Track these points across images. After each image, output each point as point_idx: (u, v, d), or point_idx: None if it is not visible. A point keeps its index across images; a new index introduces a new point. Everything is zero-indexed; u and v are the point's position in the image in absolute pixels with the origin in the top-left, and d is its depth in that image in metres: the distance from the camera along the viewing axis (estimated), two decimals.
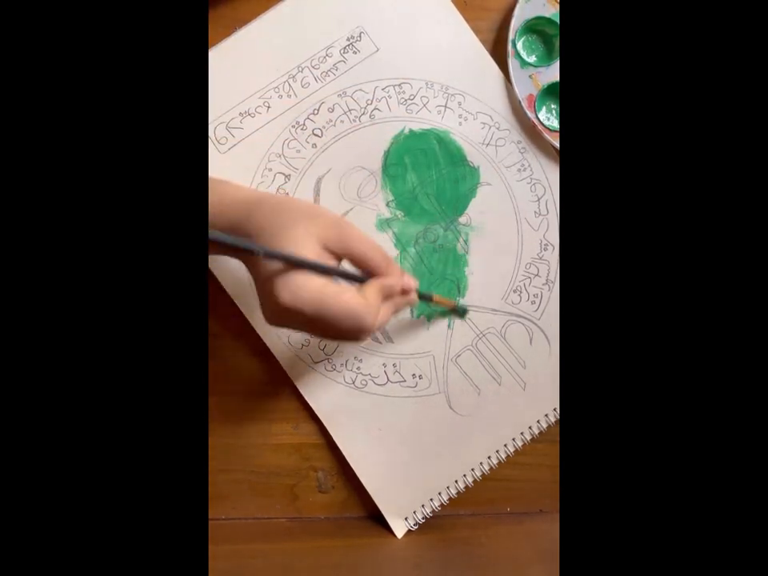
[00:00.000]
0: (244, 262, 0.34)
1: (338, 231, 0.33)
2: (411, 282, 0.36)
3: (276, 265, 0.31)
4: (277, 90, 0.44)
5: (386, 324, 0.36)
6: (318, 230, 0.32)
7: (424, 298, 0.41)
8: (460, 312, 0.45)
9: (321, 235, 0.32)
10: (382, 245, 0.44)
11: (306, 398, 0.44)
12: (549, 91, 0.45)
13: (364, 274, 0.35)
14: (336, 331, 0.32)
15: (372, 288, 0.33)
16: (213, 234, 0.29)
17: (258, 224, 0.32)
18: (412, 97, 0.45)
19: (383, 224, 0.45)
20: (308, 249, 0.32)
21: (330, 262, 0.33)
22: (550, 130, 0.45)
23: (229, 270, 0.44)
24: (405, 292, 0.35)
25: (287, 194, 0.44)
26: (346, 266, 0.34)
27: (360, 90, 0.45)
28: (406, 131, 0.45)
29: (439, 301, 0.42)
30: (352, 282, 0.34)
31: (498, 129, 0.46)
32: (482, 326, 0.45)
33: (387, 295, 0.34)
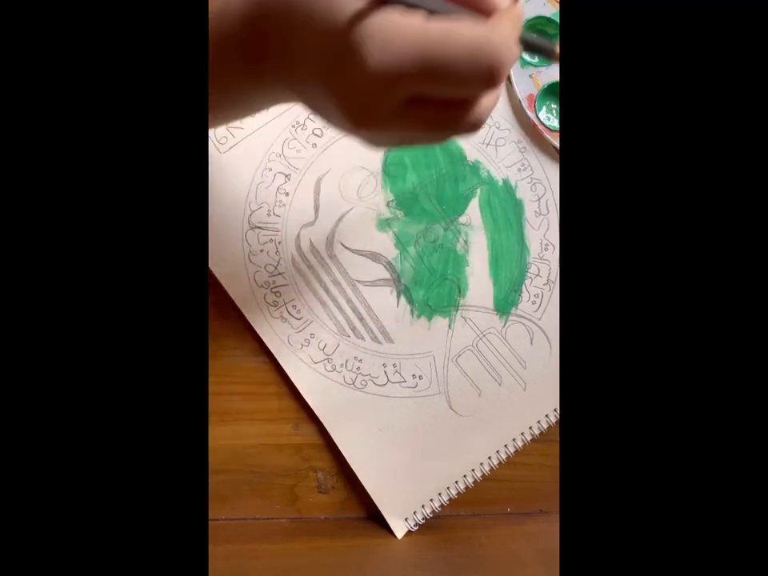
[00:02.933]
0: (280, 64, 0.25)
1: None
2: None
3: (327, 15, 0.22)
4: None
5: (516, 52, 0.23)
6: None
7: (541, 49, 0.26)
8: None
9: None
10: (382, 245, 0.45)
11: (306, 398, 0.44)
12: (549, 91, 0.45)
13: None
14: (458, 84, 0.22)
15: (503, 16, 0.22)
16: None
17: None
18: None
19: (383, 224, 0.45)
20: None
21: None
22: (550, 129, 0.45)
23: (229, 269, 0.44)
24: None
25: (287, 194, 0.44)
26: None
27: None
28: None
29: (558, 55, 0.26)
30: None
31: (498, 128, 0.46)
32: (483, 326, 0.45)
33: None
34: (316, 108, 0.26)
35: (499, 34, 0.21)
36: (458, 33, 0.21)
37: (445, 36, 0.21)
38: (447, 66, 0.21)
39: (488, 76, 0.21)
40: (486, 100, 0.24)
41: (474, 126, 0.24)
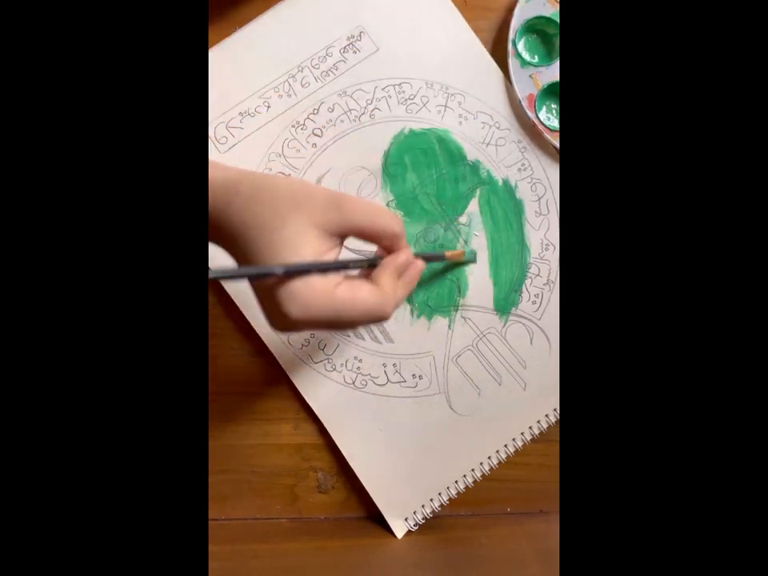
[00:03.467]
0: (226, 247, 0.31)
1: (337, 212, 0.29)
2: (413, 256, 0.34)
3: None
4: (277, 89, 0.44)
5: (402, 302, 0.33)
6: (313, 218, 0.28)
7: (435, 258, 0.41)
8: (470, 258, 0.45)
9: (318, 222, 0.29)
10: None
11: (306, 398, 0.44)
12: (549, 91, 0.45)
13: (376, 253, 0.32)
14: (354, 328, 0.31)
15: (387, 274, 0.31)
16: (213, 272, 0.26)
17: (240, 217, 0.28)
18: (412, 96, 0.45)
19: None
20: (308, 245, 0.28)
21: (331, 245, 0.30)
22: (550, 129, 0.45)
23: None
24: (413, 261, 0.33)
25: None
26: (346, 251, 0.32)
27: (360, 89, 0.45)
28: (406, 131, 0.45)
29: (452, 256, 0.43)
30: (362, 267, 0.32)
31: (498, 128, 0.46)
32: (483, 326, 0.45)
33: (401, 272, 0.32)
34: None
35: (387, 295, 0.30)
36: (359, 300, 0.29)
37: (350, 303, 0.29)
38: (351, 323, 0.29)
39: (375, 322, 0.31)
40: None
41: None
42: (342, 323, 0.29)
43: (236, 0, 0.44)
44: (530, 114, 0.45)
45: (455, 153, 0.45)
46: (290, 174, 0.44)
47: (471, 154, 0.46)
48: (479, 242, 0.45)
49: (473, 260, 0.45)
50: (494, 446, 0.45)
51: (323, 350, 0.44)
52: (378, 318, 0.30)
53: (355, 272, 0.33)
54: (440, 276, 0.45)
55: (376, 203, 0.33)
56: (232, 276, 0.28)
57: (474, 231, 0.45)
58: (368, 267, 0.32)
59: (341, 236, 0.30)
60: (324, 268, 0.29)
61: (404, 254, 0.32)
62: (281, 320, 0.29)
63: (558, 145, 0.45)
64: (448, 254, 0.43)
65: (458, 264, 0.45)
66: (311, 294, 0.28)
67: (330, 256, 0.30)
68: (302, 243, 0.28)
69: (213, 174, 0.30)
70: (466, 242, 0.45)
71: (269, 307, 0.29)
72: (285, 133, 0.44)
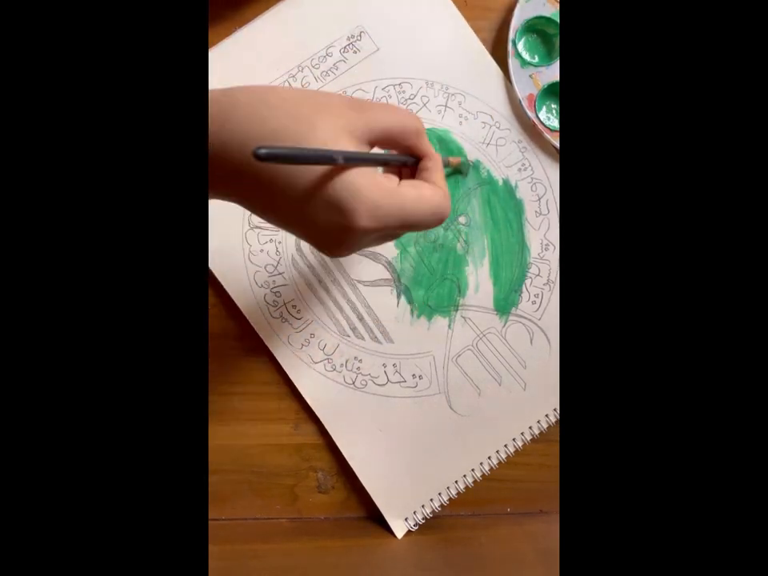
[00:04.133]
0: (253, 201, 0.27)
1: (361, 113, 0.26)
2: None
3: (320, 188, 0.24)
4: None
5: None
6: (341, 121, 0.25)
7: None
8: (468, 166, 0.45)
9: (346, 125, 0.25)
10: (383, 245, 0.45)
11: (306, 398, 0.44)
12: (549, 91, 0.45)
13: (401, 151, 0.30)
14: (417, 229, 0.28)
15: (439, 171, 0.29)
16: (264, 149, 0.21)
17: (245, 131, 0.24)
18: (412, 96, 0.45)
19: None
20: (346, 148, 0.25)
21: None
22: (550, 129, 0.45)
23: (229, 269, 0.44)
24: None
25: None
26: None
27: (360, 89, 0.45)
28: None
29: (453, 161, 0.43)
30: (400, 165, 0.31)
31: (498, 128, 0.46)
32: (483, 326, 0.45)
33: None
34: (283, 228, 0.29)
35: (447, 194, 0.29)
36: (425, 199, 0.27)
37: (417, 202, 0.27)
38: (420, 223, 0.27)
39: (437, 223, 0.29)
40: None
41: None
42: (410, 224, 0.27)
43: (236, 0, 0.44)
44: (530, 114, 0.45)
45: (455, 153, 0.45)
46: None
47: (471, 154, 0.46)
48: (479, 242, 0.45)
49: (466, 167, 0.45)
50: (494, 445, 0.45)
51: (323, 349, 0.44)
52: (442, 217, 0.28)
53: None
54: (440, 276, 0.45)
55: (395, 106, 0.30)
56: (286, 156, 0.23)
57: (474, 231, 0.45)
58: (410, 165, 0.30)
59: (368, 142, 0.27)
60: (383, 160, 0.27)
61: (436, 157, 0.30)
62: (345, 235, 0.25)
63: (557, 145, 0.45)
64: (452, 159, 0.42)
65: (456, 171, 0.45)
66: (377, 198, 0.25)
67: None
68: (339, 149, 0.25)
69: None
70: (466, 241, 0.45)
71: (326, 228, 0.26)
72: None
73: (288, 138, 0.24)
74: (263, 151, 0.21)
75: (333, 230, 0.26)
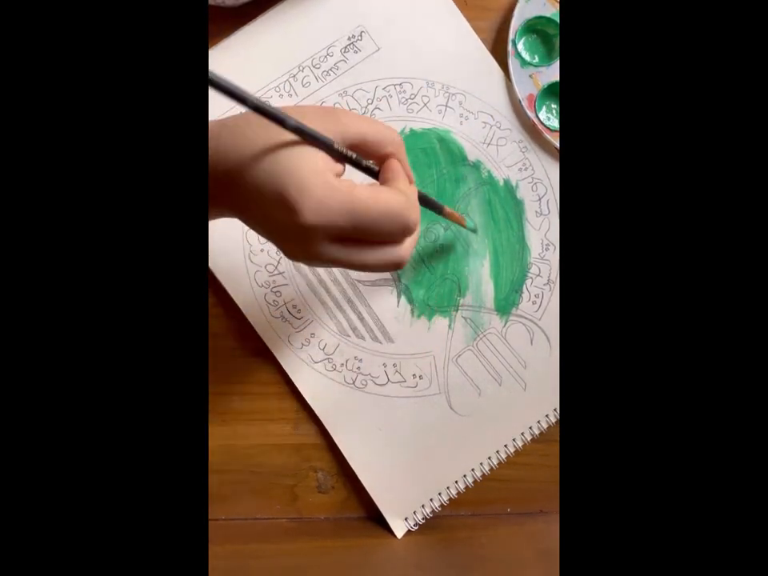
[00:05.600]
0: (234, 207, 0.29)
1: (335, 122, 0.27)
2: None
3: (277, 180, 0.25)
4: (278, 89, 0.44)
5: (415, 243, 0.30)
6: (315, 126, 0.26)
7: (434, 206, 0.37)
8: (471, 227, 0.44)
9: (320, 129, 0.26)
10: None
11: (306, 398, 0.44)
12: (549, 91, 0.45)
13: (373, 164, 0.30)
14: (377, 239, 0.27)
15: (402, 179, 0.28)
16: (215, 75, 0.23)
17: (233, 143, 0.26)
18: (413, 96, 0.45)
19: None
20: (317, 155, 0.26)
21: (338, 163, 0.28)
22: (550, 129, 0.45)
23: (229, 269, 0.44)
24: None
25: None
26: None
27: (361, 89, 0.45)
28: (407, 130, 0.45)
29: (450, 214, 0.39)
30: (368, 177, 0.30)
31: (499, 128, 0.46)
32: (483, 326, 0.45)
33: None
34: (262, 236, 0.30)
35: (410, 198, 0.27)
36: (380, 200, 0.26)
37: (372, 201, 0.26)
38: (374, 224, 0.26)
39: (404, 231, 0.27)
40: (405, 243, 0.28)
41: (397, 265, 0.29)
42: (361, 226, 0.26)
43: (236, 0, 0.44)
44: (530, 114, 0.45)
45: (456, 153, 0.45)
46: None
47: (472, 154, 0.46)
48: (480, 242, 0.45)
49: (473, 229, 0.44)
50: (494, 445, 0.45)
51: (323, 349, 0.44)
52: (403, 223, 0.27)
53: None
54: (440, 275, 0.45)
55: (372, 119, 0.31)
56: (234, 94, 0.24)
57: (474, 231, 0.45)
58: (353, 163, 0.29)
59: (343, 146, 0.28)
60: (331, 145, 0.26)
61: (406, 165, 0.29)
62: (294, 231, 0.26)
63: (558, 145, 0.45)
64: (447, 209, 0.38)
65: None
66: (326, 191, 0.25)
67: (339, 167, 0.27)
68: (310, 154, 0.26)
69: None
70: (466, 241, 0.45)
71: (278, 226, 0.27)
72: None
73: (268, 150, 0.26)
74: (212, 76, 0.23)
75: (287, 230, 0.26)
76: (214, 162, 0.27)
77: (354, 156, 0.28)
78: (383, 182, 0.29)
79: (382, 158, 0.30)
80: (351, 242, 0.27)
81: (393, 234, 0.27)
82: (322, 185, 0.25)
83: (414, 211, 0.27)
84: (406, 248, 0.29)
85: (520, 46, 0.45)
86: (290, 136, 0.26)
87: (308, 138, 0.26)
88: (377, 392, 0.44)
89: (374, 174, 0.30)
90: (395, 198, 0.27)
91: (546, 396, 0.45)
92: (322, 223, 0.25)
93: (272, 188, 0.26)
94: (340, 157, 0.27)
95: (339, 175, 0.27)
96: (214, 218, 0.30)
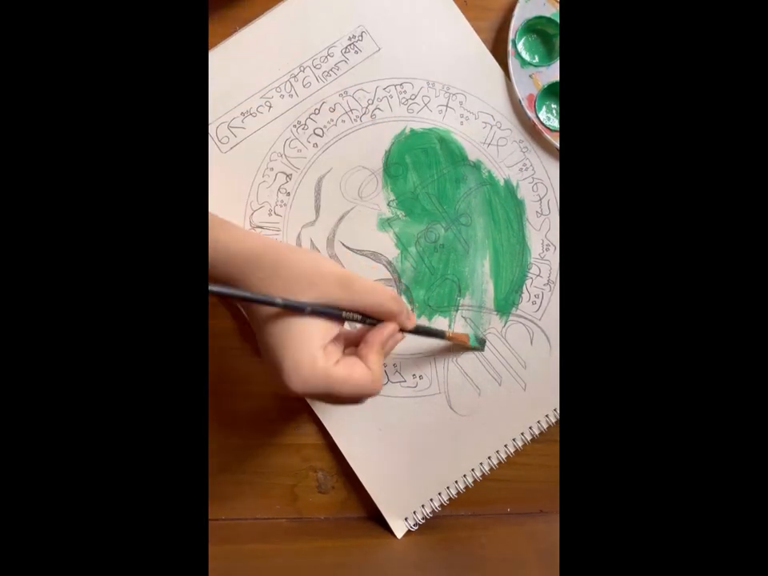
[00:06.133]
0: (249, 318, 0.35)
1: (346, 291, 0.32)
2: (412, 320, 0.37)
3: (278, 349, 0.31)
4: (278, 89, 0.44)
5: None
6: (324, 297, 0.32)
7: (435, 334, 0.41)
8: (478, 344, 0.44)
9: (328, 299, 0.32)
10: (383, 244, 0.45)
11: (306, 398, 0.44)
12: (549, 91, 0.45)
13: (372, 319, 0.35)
14: (342, 403, 0.34)
15: (374, 353, 0.34)
16: (215, 286, 0.28)
17: (257, 288, 0.32)
18: (413, 96, 0.45)
19: (384, 224, 0.45)
20: (318, 321, 0.32)
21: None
22: (550, 129, 0.45)
23: None
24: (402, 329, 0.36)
25: (288, 194, 0.44)
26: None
27: (361, 89, 0.45)
28: (407, 131, 0.45)
29: (452, 337, 0.42)
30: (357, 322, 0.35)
31: (499, 128, 0.46)
32: (483, 326, 0.45)
33: (385, 344, 0.35)
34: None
35: (377, 375, 0.33)
36: (352, 381, 0.32)
37: (345, 382, 0.32)
38: (341, 398, 0.32)
39: (364, 400, 0.34)
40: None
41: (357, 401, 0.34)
42: (335, 398, 0.32)
43: (236, 0, 0.44)
44: (530, 114, 0.45)
45: (456, 153, 0.45)
46: (291, 175, 0.44)
47: (472, 154, 0.46)
48: (480, 242, 0.45)
49: (479, 347, 0.45)
50: (494, 446, 0.45)
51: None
52: (368, 395, 0.33)
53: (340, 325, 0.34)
54: (439, 277, 0.45)
55: (380, 284, 0.36)
56: (233, 295, 0.30)
57: (475, 231, 0.45)
58: (360, 322, 0.34)
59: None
60: (319, 311, 0.32)
61: (390, 328, 0.34)
62: (282, 387, 0.31)
63: (558, 145, 0.45)
64: (449, 333, 0.42)
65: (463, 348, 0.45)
66: (310, 372, 0.31)
67: (335, 328, 0.33)
68: (311, 328, 0.31)
69: (238, 245, 0.32)
70: (466, 241, 0.45)
71: (274, 372, 0.32)
72: (286, 132, 0.44)
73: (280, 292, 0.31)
74: (212, 288, 0.27)
75: (279, 384, 0.32)
76: (235, 284, 0.32)
77: (360, 317, 0.34)
78: (361, 350, 0.34)
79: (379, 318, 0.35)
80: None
81: (358, 402, 0.34)
82: (309, 366, 0.31)
83: (377, 385, 0.33)
84: (364, 400, 0.34)
85: (520, 46, 0.45)
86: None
87: (321, 315, 0.32)
88: None
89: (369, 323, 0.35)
90: (364, 379, 0.32)
91: (546, 396, 0.45)
92: (305, 393, 0.32)
93: (273, 353, 0.31)
94: (346, 320, 0.33)
95: (334, 337, 0.33)
96: None
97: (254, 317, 0.33)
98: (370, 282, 0.34)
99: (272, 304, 0.30)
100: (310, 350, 0.31)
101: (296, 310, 0.31)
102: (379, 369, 0.34)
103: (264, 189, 0.44)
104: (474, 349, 0.44)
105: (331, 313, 0.32)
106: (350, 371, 0.32)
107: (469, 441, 0.45)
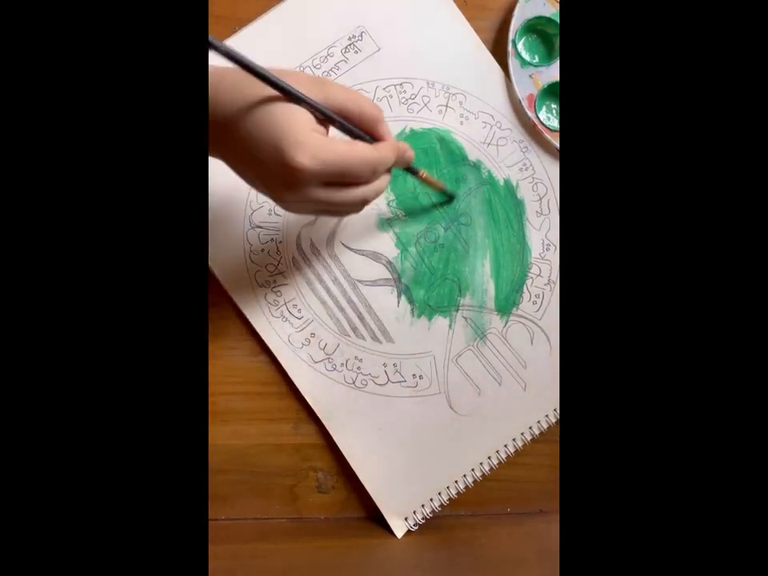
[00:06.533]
0: (227, 153, 0.32)
1: (321, 90, 0.31)
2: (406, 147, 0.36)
3: (272, 133, 0.29)
4: None
5: (384, 189, 0.35)
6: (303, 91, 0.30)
7: (410, 171, 0.39)
8: (448, 196, 0.44)
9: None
10: (383, 244, 0.45)
11: (306, 398, 0.44)
12: (549, 91, 0.45)
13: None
14: (352, 180, 0.32)
15: (388, 145, 0.33)
16: (216, 42, 0.25)
17: (230, 96, 0.30)
18: (413, 96, 0.45)
19: (384, 223, 0.45)
20: (303, 114, 0.30)
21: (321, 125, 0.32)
22: (550, 129, 0.45)
23: (230, 269, 0.44)
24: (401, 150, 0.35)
25: None
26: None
27: (361, 89, 0.45)
28: (407, 130, 0.45)
29: (426, 178, 0.41)
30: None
31: (499, 128, 0.46)
32: (483, 326, 0.45)
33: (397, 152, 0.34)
34: (244, 180, 0.33)
35: (382, 155, 0.32)
36: (360, 152, 0.31)
37: (350, 150, 0.31)
38: (352, 170, 0.31)
39: (373, 173, 0.32)
40: (371, 186, 0.33)
41: (361, 203, 0.34)
42: (346, 171, 0.31)
43: (236, 0, 0.44)
44: (530, 114, 0.45)
45: (456, 153, 0.45)
46: None
47: (472, 154, 0.46)
48: (480, 242, 0.45)
49: (452, 195, 0.45)
50: (494, 445, 0.45)
51: (323, 349, 0.44)
52: (382, 164, 0.32)
53: None
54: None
55: (359, 92, 0.35)
56: (234, 58, 0.28)
57: (475, 231, 0.45)
58: (342, 129, 0.33)
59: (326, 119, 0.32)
60: (309, 101, 0.30)
61: (396, 144, 0.34)
62: (287, 173, 0.29)
63: (557, 145, 0.45)
64: (423, 173, 0.40)
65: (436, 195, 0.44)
66: (318, 142, 0.29)
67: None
68: (302, 112, 0.30)
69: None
70: (466, 241, 0.45)
71: (271, 171, 0.30)
72: None
73: (260, 106, 0.30)
74: (212, 41, 0.25)
75: (279, 175, 0.30)
76: (211, 110, 0.30)
77: (338, 118, 0.32)
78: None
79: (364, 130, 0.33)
80: (331, 185, 0.32)
81: (365, 176, 0.32)
82: (315, 139, 0.29)
83: (381, 163, 0.32)
84: (373, 188, 0.33)
85: (520, 46, 0.45)
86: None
87: (298, 100, 0.30)
88: (377, 392, 0.44)
89: (354, 136, 0.33)
90: (369, 151, 0.32)
91: (546, 396, 0.45)
92: (314, 170, 0.29)
93: (267, 139, 0.29)
94: (326, 119, 0.31)
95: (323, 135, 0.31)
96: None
97: (228, 110, 0.30)
98: (347, 88, 0.33)
99: (270, 82, 0.29)
100: (308, 128, 0.30)
101: (288, 94, 0.29)
102: (390, 154, 0.33)
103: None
104: (445, 195, 0.45)
105: (320, 108, 0.30)
106: (352, 144, 0.31)
107: (469, 441, 0.45)
